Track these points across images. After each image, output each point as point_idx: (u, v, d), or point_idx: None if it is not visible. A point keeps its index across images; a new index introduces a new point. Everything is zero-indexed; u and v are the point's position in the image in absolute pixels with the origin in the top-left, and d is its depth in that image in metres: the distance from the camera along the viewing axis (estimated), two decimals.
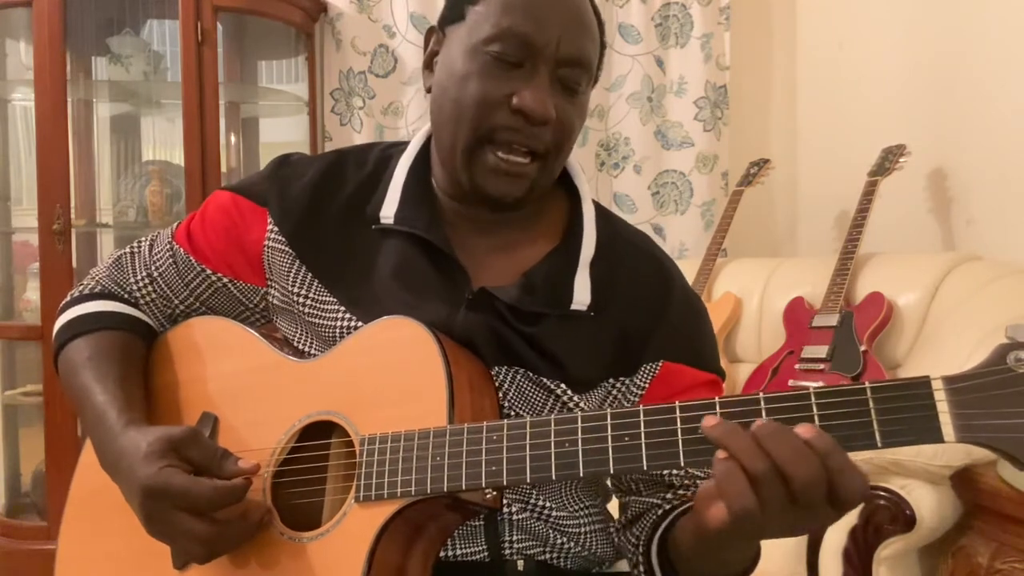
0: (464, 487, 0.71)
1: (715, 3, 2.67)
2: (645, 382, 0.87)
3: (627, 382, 0.87)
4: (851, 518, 1.50)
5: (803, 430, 0.58)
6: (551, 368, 0.84)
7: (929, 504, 1.48)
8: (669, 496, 0.86)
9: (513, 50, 0.79)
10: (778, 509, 0.58)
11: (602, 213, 0.93)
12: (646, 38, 2.68)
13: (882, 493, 1.49)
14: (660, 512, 0.85)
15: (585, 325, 0.85)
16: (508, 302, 0.83)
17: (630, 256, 0.90)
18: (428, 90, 0.88)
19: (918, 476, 1.49)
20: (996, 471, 1.46)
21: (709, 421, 0.61)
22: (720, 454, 0.60)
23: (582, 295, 0.85)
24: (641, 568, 0.84)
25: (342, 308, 0.86)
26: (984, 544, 1.46)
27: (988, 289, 1.80)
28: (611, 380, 0.87)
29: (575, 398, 0.84)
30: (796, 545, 1.59)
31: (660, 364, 0.87)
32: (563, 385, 0.84)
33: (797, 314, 2.10)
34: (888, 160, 2.14)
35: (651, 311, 0.87)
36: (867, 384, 0.60)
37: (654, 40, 2.69)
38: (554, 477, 0.68)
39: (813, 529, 0.62)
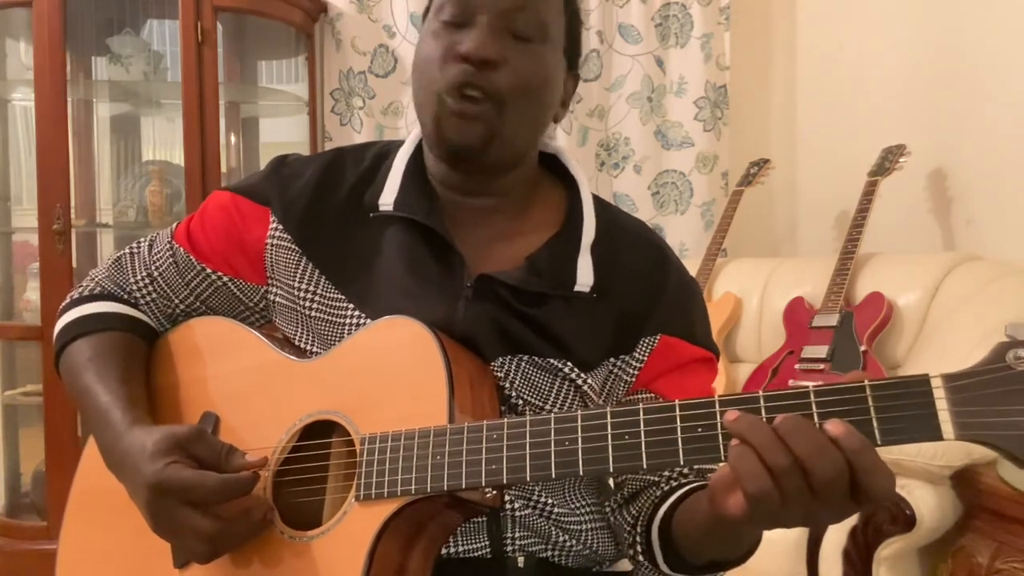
0: (464, 486, 0.71)
1: (715, 3, 2.67)
2: (644, 355, 0.88)
3: (626, 359, 0.88)
4: (851, 518, 1.50)
5: (832, 427, 0.58)
6: (555, 350, 0.84)
7: (929, 504, 1.48)
8: (667, 474, 0.87)
9: (457, 10, 0.83)
10: (797, 499, 0.58)
11: (599, 201, 0.94)
12: (646, 38, 2.68)
13: None
14: (659, 492, 0.85)
15: (587, 307, 0.86)
16: (512, 284, 0.84)
17: (629, 241, 0.91)
18: None
19: (918, 476, 1.50)
20: (996, 471, 1.46)
21: (731, 415, 0.61)
22: (735, 441, 0.60)
23: (585, 277, 0.86)
24: (638, 547, 0.84)
25: (350, 305, 0.86)
26: (984, 544, 1.46)
27: (988, 289, 1.80)
28: (612, 359, 0.87)
29: (583, 375, 0.85)
30: (796, 545, 1.59)
31: (658, 338, 0.88)
32: (569, 363, 0.85)
33: (797, 314, 2.10)
34: (888, 160, 2.14)
35: (650, 291, 0.88)
36: (866, 382, 0.60)
37: (654, 40, 2.69)
38: (554, 476, 0.68)
39: (832, 521, 0.62)
